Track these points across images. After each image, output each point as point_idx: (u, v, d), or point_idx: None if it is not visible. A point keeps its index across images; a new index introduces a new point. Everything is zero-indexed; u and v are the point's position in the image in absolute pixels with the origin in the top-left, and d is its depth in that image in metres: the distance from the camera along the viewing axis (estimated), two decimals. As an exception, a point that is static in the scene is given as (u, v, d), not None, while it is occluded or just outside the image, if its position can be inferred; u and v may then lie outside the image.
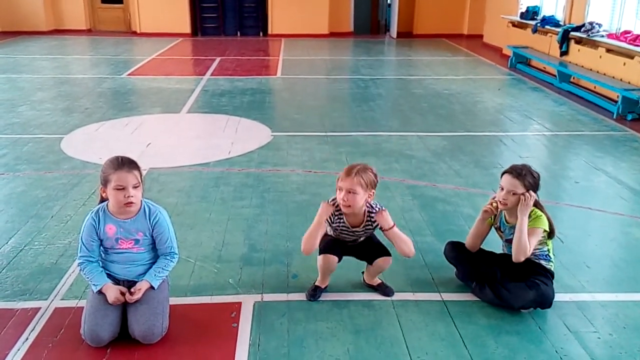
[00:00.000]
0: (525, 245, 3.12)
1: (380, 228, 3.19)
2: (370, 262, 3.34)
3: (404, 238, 3.18)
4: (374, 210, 3.20)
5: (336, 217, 3.24)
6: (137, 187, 2.87)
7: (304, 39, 16.06)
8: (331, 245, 3.27)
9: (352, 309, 3.24)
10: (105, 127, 7.07)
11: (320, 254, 3.27)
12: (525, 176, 3.18)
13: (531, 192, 3.14)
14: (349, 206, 3.10)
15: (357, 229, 3.27)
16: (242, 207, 4.62)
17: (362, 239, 3.35)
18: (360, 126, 7.16)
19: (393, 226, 3.16)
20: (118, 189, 2.82)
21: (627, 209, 4.76)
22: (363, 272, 3.48)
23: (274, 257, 3.81)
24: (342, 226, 3.26)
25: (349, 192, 3.07)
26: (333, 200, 3.21)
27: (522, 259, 3.16)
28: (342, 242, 3.33)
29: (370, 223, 3.24)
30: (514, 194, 3.17)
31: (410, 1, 16.62)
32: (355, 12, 17.42)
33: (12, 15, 16.00)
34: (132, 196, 2.84)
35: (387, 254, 3.31)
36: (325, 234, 3.29)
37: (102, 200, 2.97)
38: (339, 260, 3.29)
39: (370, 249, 3.34)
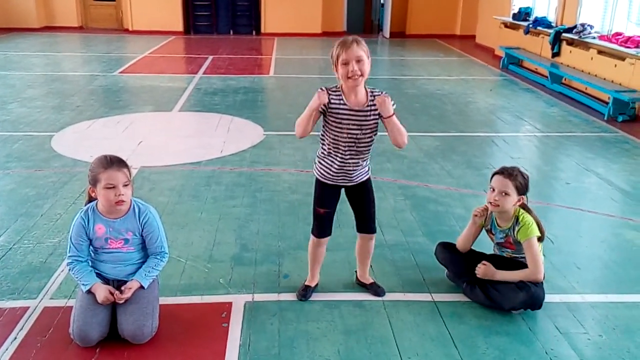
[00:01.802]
0: (534, 267, 3.16)
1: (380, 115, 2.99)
2: (359, 221, 3.27)
3: (401, 129, 2.99)
4: (377, 92, 2.98)
5: (335, 100, 2.96)
6: (127, 185, 2.86)
7: (296, 38, 16.05)
8: (325, 222, 3.24)
9: (343, 309, 3.23)
10: (96, 125, 7.03)
11: (313, 232, 3.27)
12: (516, 177, 3.19)
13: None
14: (362, 75, 2.88)
15: (360, 113, 2.97)
16: (233, 207, 4.60)
17: (365, 134, 3.02)
18: (352, 126, 7.14)
19: (392, 115, 2.95)
20: (108, 188, 2.81)
21: (617, 210, 4.78)
22: (356, 271, 3.48)
23: (265, 257, 3.80)
24: (343, 110, 2.97)
25: (359, 62, 2.86)
26: (330, 88, 3.00)
27: (540, 277, 3.18)
28: (336, 190, 3.18)
29: (373, 104, 2.97)
30: (505, 194, 3.18)
31: (403, 1, 16.65)
32: (348, 12, 17.42)
33: (3, 12, 15.88)
34: (122, 195, 2.82)
35: (373, 230, 3.30)
36: (319, 213, 3.20)
37: (90, 199, 2.95)
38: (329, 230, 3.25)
39: (364, 203, 3.23)
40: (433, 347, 2.92)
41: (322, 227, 3.26)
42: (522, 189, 3.20)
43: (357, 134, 3.02)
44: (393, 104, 2.97)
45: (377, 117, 3.01)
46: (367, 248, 3.37)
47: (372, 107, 2.99)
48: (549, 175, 5.61)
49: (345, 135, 3.01)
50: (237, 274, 3.58)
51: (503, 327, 3.09)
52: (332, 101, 2.97)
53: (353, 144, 3.04)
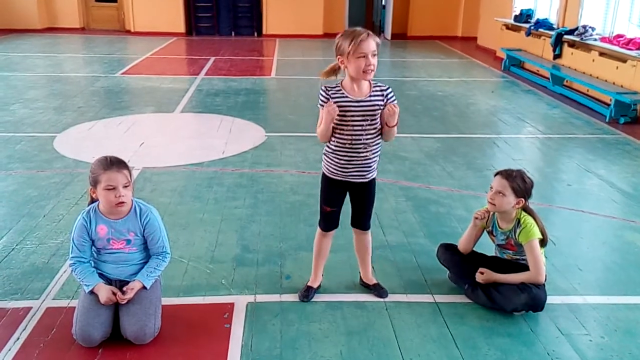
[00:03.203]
0: (536, 269, 3.17)
1: (387, 103, 2.99)
2: (356, 217, 3.29)
3: (395, 133, 3.07)
4: (379, 85, 3.02)
5: (337, 97, 2.97)
6: (128, 186, 2.86)
7: (298, 39, 16.06)
8: (330, 220, 3.27)
9: (345, 310, 3.24)
10: (98, 126, 7.04)
11: (320, 226, 3.31)
12: (515, 178, 3.19)
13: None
14: (373, 70, 2.90)
15: (363, 102, 2.97)
16: (235, 208, 4.61)
17: (371, 124, 3.01)
18: (354, 127, 7.14)
19: (395, 125, 3.00)
20: (108, 189, 2.81)
21: (619, 211, 4.78)
22: (359, 272, 3.48)
23: (267, 258, 3.80)
24: (346, 103, 2.97)
25: (374, 56, 2.88)
26: (330, 88, 3.01)
27: (542, 279, 3.19)
28: (343, 189, 3.20)
29: (378, 92, 3.00)
30: (501, 194, 3.19)
31: (405, 3, 16.65)
32: (349, 13, 17.42)
33: (5, 13, 15.90)
34: (123, 196, 2.83)
35: (367, 228, 3.32)
36: (326, 211, 3.24)
37: (92, 201, 2.96)
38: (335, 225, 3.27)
39: (365, 202, 3.26)
40: (435, 348, 2.92)
41: (328, 222, 3.29)
42: (521, 192, 3.19)
43: (362, 124, 3.00)
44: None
45: (381, 106, 3.00)
46: (363, 243, 3.38)
47: (377, 96, 3.01)
48: (550, 177, 5.61)
49: (350, 126, 3.00)
50: (239, 274, 3.58)
51: (505, 328, 3.09)
52: (334, 99, 2.97)
53: (360, 136, 3.02)
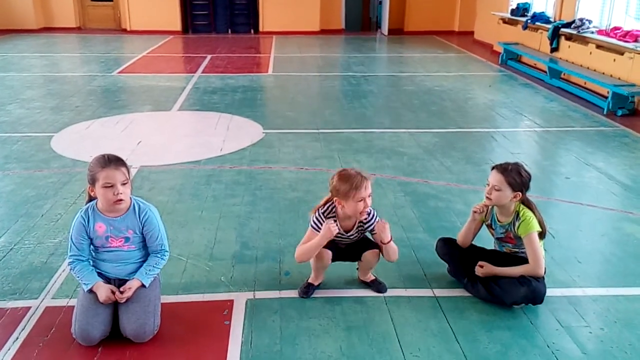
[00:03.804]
0: (535, 262, 3.17)
1: (372, 233, 3.24)
2: (359, 258, 3.34)
3: (396, 249, 3.24)
4: (364, 220, 3.22)
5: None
6: (126, 184, 2.85)
7: (295, 36, 16.04)
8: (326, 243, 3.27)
9: (345, 305, 3.23)
10: (95, 125, 7.03)
11: None
12: (510, 172, 3.18)
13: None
14: (367, 212, 3.16)
15: (350, 233, 3.28)
16: (233, 205, 4.60)
17: (353, 242, 3.34)
18: (352, 123, 7.15)
19: (391, 240, 3.19)
20: (106, 187, 2.81)
21: (617, 204, 4.78)
22: (357, 269, 3.47)
23: (266, 255, 3.80)
24: (338, 234, 3.21)
25: (370, 197, 3.12)
26: (324, 209, 3.21)
27: (541, 272, 3.18)
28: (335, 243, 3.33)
29: (362, 226, 3.26)
30: (497, 189, 3.18)
31: (402, -2, 16.64)
32: (346, 9, 17.40)
33: (1, 13, 15.87)
34: (121, 193, 2.82)
35: (374, 247, 3.30)
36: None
37: (90, 199, 2.95)
38: (333, 259, 3.28)
39: (358, 245, 3.34)
40: (435, 342, 2.92)
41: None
42: (517, 185, 3.17)
43: (346, 243, 3.34)
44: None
45: (364, 231, 3.30)
46: (374, 261, 3.35)
47: (359, 231, 3.29)
48: (548, 170, 5.61)
49: (335, 242, 3.29)
50: (238, 271, 3.58)
51: (505, 321, 3.09)
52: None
53: (343, 245, 3.35)
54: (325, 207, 3.22)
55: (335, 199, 3.16)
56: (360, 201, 3.08)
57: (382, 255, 3.25)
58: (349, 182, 3.08)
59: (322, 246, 3.14)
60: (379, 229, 3.16)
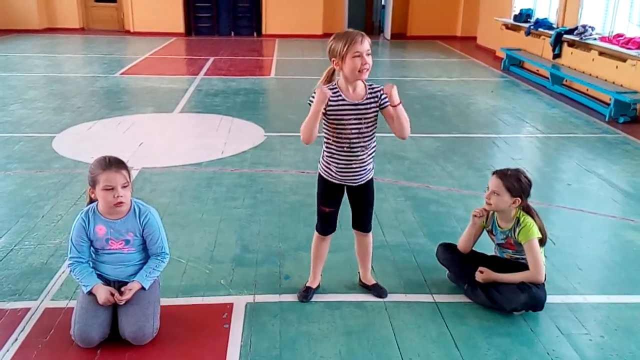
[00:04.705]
0: (536, 269, 3.16)
1: (383, 106, 3.00)
2: (356, 219, 3.28)
3: (406, 117, 3.00)
4: (374, 85, 3.03)
5: (334, 98, 2.97)
6: (126, 186, 2.85)
7: (298, 39, 16.06)
8: (330, 220, 3.25)
9: (344, 310, 3.23)
10: (97, 126, 7.04)
11: (317, 229, 3.29)
12: (509, 177, 3.18)
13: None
14: (368, 69, 2.90)
15: (360, 105, 2.98)
16: (234, 208, 4.60)
17: (368, 127, 3.03)
18: (353, 127, 7.14)
19: (400, 103, 2.95)
20: (107, 190, 2.80)
21: (618, 211, 4.78)
22: (359, 272, 3.47)
23: (266, 258, 3.79)
24: (343, 105, 2.97)
25: (368, 55, 2.88)
26: (324, 82, 3.03)
27: (542, 278, 3.18)
28: (340, 190, 3.19)
29: (372, 95, 3.00)
30: (496, 194, 3.18)
31: (404, 3, 16.65)
32: (349, 13, 17.41)
33: (4, 14, 15.90)
34: (121, 196, 2.82)
35: (368, 230, 3.31)
36: (323, 212, 3.23)
37: (91, 201, 2.95)
38: (336, 212, 3.24)
39: (363, 204, 3.25)
40: (434, 348, 2.91)
41: (326, 224, 3.28)
42: (516, 191, 3.17)
43: (359, 128, 3.01)
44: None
45: (376, 109, 3.02)
46: (365, 245, 3.37)
47: (372, 99, 3.01)
48: (550, 177, 5.61)
49: (348, 130, 3.00)
50: (238, 275, 3.58)
51: (504, 328, 3.08)
52: (331, 99, 2.96)
53: (356, 139, 3.03)
54: (325, 79, 3.04)
55: (333, 60, 2.94)
56: (357, 56, 2.85)
57: (394, 128, 3.01)
58: (344, 37, 2.87)
59: (318, 114, 2.89)
60: (388, 91, 2.91)
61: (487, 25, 14.29)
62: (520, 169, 3.30)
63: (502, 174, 3.21)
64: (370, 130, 3.06)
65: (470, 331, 3.05)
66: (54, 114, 7.47)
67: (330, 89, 2.96)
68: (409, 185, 5.20)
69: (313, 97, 2.94)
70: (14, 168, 5.44)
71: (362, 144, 3.05)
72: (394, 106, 2.94)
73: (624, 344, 2.98)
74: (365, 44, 2.88)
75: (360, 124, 3.00)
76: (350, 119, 2.99)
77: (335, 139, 3.05)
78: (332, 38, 2.97)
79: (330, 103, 2.96)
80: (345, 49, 2.86)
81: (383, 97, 3.00)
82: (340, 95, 2.98)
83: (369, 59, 2.89)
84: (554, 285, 3.46)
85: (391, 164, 5.77)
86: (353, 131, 3.01)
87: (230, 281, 3.50)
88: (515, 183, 3.17)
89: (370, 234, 3.36)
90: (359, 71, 2.88)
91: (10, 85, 9.29)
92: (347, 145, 3.04)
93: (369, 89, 3.02)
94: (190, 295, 3.35)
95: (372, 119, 3.04)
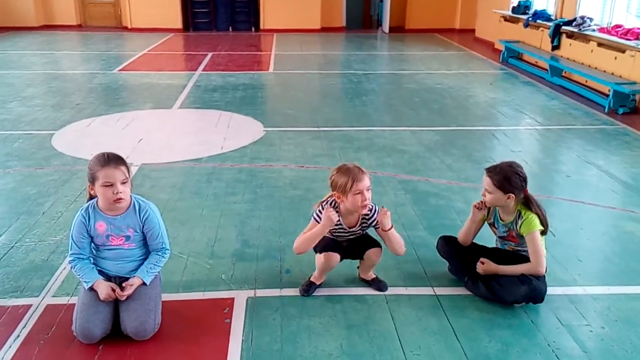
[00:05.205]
0: (536, 261, 3.17)
1: (376, 227, 3.24)
2: (361, 257, 3.34)
3: (399, 238, 3.24)
4: (366, 217, 3.23)
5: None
6: (125, 182, 2.85)
7: (296, 34, 16.02)
8: (332, 245, 3.27)
9: (345, 304, 3.23)
10: (96, 123, 7.03)
11: (320, 252, 3.26)
12: (497, 173, 3.17)
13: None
14: (367, 205, 3.13)
15: (353, 229, 3.28)
16: (234, 203, 4.60)
17: (357, 237, 3.34)
18: (352, 121, 7.15)
19: (392, 227, 3.18)
20: (106, 186, 2.81)
21: (618, 202, 4.78)
22: (358, 267, 3.47)
23: (267, 253, 3.80)
24: (339, 228, 3.25)
25: (369, 190, 3.11)
26: (328, 202, 3.20)
27: (542, 270, 3.19)
28: (338, 242, 3.33)
29: (365, 221, 3.25)
30: (488, 192, 3.20)
31: (403, -4, 16.61)
32: (347, 7, 17.38)
33: (2, 11, 15.85)
34: (120, 192, 2.82)
35: (377, 245, 3.32)
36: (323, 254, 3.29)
37: (91, 197, 2.95)
38: (341, 260, 3.30)
39: (360, 243, 3.34)
40: (435, 340, 2.92)
41: (329, 246, 3.29)
42: (508, 187, 3.14)
43: (350, 239, 3.34)
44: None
45: (368, 227, 3.30)
46: (376, 260, 3.36)
47: (364, 224, 3.27)
48: (549, 168, 5.61)
49: (339, 239, 3.32)
50: (238, 269, 3.58)
51: (505, 320, 3.09)
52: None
53: (348, 240, 3.35)
54: (328, 202, 3.22)
55: (334, 193, 3.16)
56: (358, 194, 3.07)
57: (388, 247, 3.24)
58: (346, 175, 3.09)
59: (322, 235, 3.15)
60: (380, 216, 3.16)
61: (486, 18, 14.26)
62: (513, 163, 3.25)
63: (491, 172, 3.20)
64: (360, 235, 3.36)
65: (471, 323, 3.06)
66: (53, 111, 7.46)
67: (334, 207, 3.18)
68: (409, 179, 5.20)
69: (319, 212, 3.16)
70: (14, 165, 5.44)
71: (351, 239, 3.35)
72: (385, 231, 3.19)
73: (624, 334, 2.99)
74: (366, 181, 3.11)
75: (351, 238, 3.33)
76: (343, 236, 3.31)
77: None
78: (334, 171, 3.18)
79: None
80: (349, 187, 3.08)
81: (372, 221, 3.25)
82: (339, 220, 3.20)
83: (369, 194, 3.12)
84: (554, 277, 3.47)
85: (391, 157, 5.76)
86: (344, 240, 3.34)
87: (231, 276, 3.51)
88: (505, 181, 3.15)
89: (381, 250, 3.36)
90: (360, 206, 3.12)
91: (9, 82, 9.28)
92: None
93: (362, 219, 3.25)
94: (191, 290, 3.36)
95: (363, 233, 3.35)
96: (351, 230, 3.28)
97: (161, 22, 16.26)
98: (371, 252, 3.30)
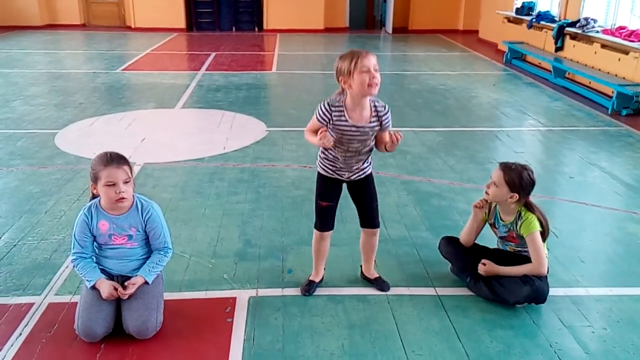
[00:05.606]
0: (538, 261, 3.17)
1: (382, 128, 3.04)
2: (362, 216, 3.29)
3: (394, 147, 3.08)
4: (380, 105, 3.03)
5: (337, 116, 2.97)
6: (128, 182, 2.86)
7: (299, 34, 16.03)
8: (326, 219, 3.25)
9: (347, 303, 3.23)
10: (99, 122, 7.04)
11: (315, 227, 3.29)
12: (512, 171, 3.18)
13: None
14: (377, 84, 2.89)
15: (362, 128, 2.99)
16: (237, 203, 4.61)
17: (366, 146, 3.08)
18: (355, 121, 7.13)
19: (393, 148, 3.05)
20: (108, 185, 2.81)
21: (621, 203, 4.77)
22: (361, 265, 3.48)
23: (269, 252, 3.80)
24: (346, 126, 2.98)
25: (376, 70, 2.88)
26: (332, 97, 3.01)
27: (544, 271, 3.18)
28: (338, 185, 3.20)
29: (377, 118, 3.01)
30: (495, 185, 3.19)
31: (406, -4, 16.61)
32: (350, 8, 17.38)
33: (5, 10, 15.90)
34: (123, 192, 2.82)
35: (377, 225, 3.30)
36: (321, 206, 3.22)
37: (93, 197, 2.96)
38: (334, 207, 3.24)
39: (365, 198, 3.24)
40: (437, 341, 2.92)
41: (324, 220, 3.27)
42: (516, 187, 3.16)
43: (358, 147, 3.07)
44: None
45: (377, 129, 3.06)
46: (371, 243, 3.37)
47: (374, 123, 3.03)
48: (552, 170, 5.60)
49: (345, 147, 3.06)
50: (241, 269, 3.58)
51: (507, 320, 3.09)
52: (335, 118, 2.99)
53: (355, 152, 3.09)
54: (334, 96, 3.02)
55: (341, 80, 2.93)
56: (365, 72, 2.83)
57: (378, 148, 3.13)
58: (349, 55, 2.88)
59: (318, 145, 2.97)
60: (392, 141, 2.98)
61: (489, 19, 14.25)
62: (527, 166, 3.27)
63: (505, 167, 3.21)
64: (368, 145, 3.11)
65: (472, 324, 3.06)
66: (56, 110, 7.47)
67: (336, 107, 2.98)
68: (411, 179, 5.20)
69: (321, 113, 2.98)
70: (17, 164, 5.45)
71: (357, 157, 3.13)
72: (389, 151, 3.07)
73: (627, 336, 2.98)
74: (372, 59, 2.87)
75: (360, 142, 3.06)
76: (350, 138, 3.03)
77: (332, 149, 3.09)
78: (338, 59, 2.96)
79: (334, 121, 2.99)
80: (353, 66, 2.85)
81: (386, 119, 3.04)
82: (343, 116, 2.98)
83: (377, 74, 2.88)
84: (557, 278, 3.46)
85: (393, 158, 5.76)
86: (351, 148, 3.07)
87: (233, 275, 3.51)
88: (516, 179, 3.16)
89: (378, 232, 3.35)
90: (369, 85, 2.86)
91: (12, 81, 9.29)
92: (343, 156, 3.10)
93: (374, 110, 3.01)
94: (194, 289, 3.36)
95: (371, 139, 3.10)
96: (360, 128, 2.99)
97: (164, 22, 16.28)
98: (370, 232, 3.31)
